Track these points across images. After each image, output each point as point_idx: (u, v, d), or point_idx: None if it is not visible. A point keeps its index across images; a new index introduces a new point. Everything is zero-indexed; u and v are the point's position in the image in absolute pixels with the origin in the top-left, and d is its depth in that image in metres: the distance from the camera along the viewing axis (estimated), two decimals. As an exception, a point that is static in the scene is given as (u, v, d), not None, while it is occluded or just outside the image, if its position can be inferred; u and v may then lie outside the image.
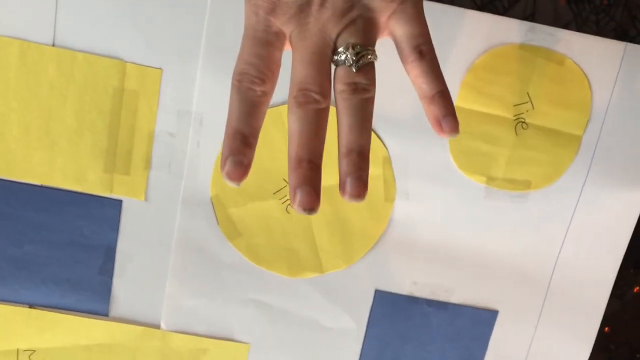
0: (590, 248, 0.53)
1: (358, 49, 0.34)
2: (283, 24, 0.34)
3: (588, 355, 0.55)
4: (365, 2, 0.34)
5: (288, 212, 0.52)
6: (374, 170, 0.51)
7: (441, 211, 0.52)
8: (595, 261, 0.53)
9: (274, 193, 0.51)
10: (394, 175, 0.51)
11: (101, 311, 0.53)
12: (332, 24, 0.34)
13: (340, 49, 0.34)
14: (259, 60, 0.34)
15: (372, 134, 0.50)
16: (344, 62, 0.34)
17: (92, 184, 0.50)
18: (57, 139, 0.49)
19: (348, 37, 0.34)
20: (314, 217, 0.52)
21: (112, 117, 0.49)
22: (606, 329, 0.56)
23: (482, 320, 0.55)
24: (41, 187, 0.50)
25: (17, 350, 0.53)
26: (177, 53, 0.48)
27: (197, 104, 0.49)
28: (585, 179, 0.51)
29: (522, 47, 0.48)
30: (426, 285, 0.54)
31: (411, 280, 0.54)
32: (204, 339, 0.54)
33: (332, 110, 0.34)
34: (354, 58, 0.33)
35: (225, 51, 0.48)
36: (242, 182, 0.35)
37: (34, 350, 0.53)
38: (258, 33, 0.34)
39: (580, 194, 0.52)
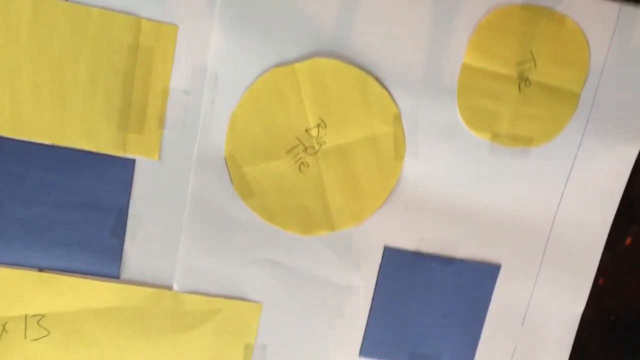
0: (586, 202, 0.56)
1: None
2: None
3: (583, 306, 0.58)
4: None
5: (301, 170, 0.52)
6: (384, 128, 0.52)
7: (448, 168, 0.54)
8: (591, 215, 0.56)
9: (287, 152, 0.52)
10: (403, 133, 0.53)
11: (112, 274, 0.53)
12: None
13: None
14: None
15: (383, 90, 0.51)
16: None
17: (104, 143, 0.50)
18: (69, 97, 0.49)
19: None
20: (326, 176, 0.53)
21: (126, 75, 0.49)
22: (600, 280, 0.59)
23: (485, 274, 0.57)
24: (52, 146, 0.50)
25: (26, 315, 0.52)
26: (193, 9, 0.48)
27: (212, 62, 0.49)
28: (583, 135, 0.54)
29: (525, 7, 0.51)
30: (433, 241, 0.55)
31: (419, 237, 0.55)
32: (216, 299, 0.54)
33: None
34: None
35: (242, 8, 0.49)
36: None
37: (43, 315, 0.53)
38: None
39: (578, 150, 0.54)
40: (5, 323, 0.52)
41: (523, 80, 0.52)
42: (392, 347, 0.57)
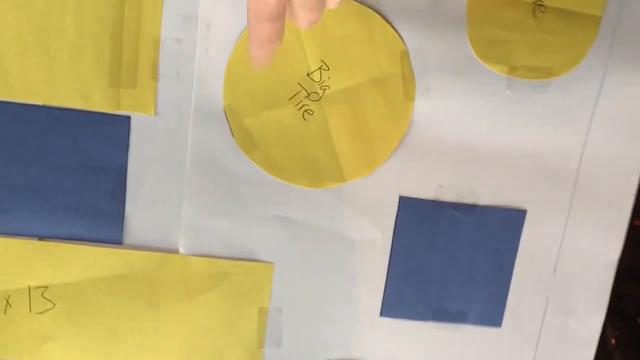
0: (615, 136, 0.52)
1: None
2: None
3: (620, 250, 0.54)
4: None
5: (305, 119, 0.49)
6: (392, 68, 0.49)
7: (463, 107, 0.50)
8: (621, 150, 0.52)
9: (289, 99, 0.49)
10: (412, 71, 0.49)
11: (115, 239, 0.51)
12: None
13: None
14: None
15: (388, 27, 0.48)
16: None
17: (97, 100, 0.48)
18: (57, 54, 0.47)
19: None
20: (332, 123, 0.50)
21: (115, 25, 0.46)
22: (636, 221, 0.54)
23: (511, 220, 0.53)
24: (43, 107, 0.47)
25: (29, 287, 0.51)
26: (180, -49, 0.46)
27: (204, 7, 0.47)
28: (607, 62, 0.50)
29: None
30: (452, 188, 0.52)
31: (436, 184, 0.52)
32: (225, 261, 0.52)
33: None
34: None
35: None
36: None
37: (47, 287, 0.51)
38: None
39: (603, 79, 0.50)
40: (9, 296, 0.50)
41: (537, 5, 0.48)
42: (414, 305, 0.54)
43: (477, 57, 0.49)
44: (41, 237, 0.50)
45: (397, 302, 0.54)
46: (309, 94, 0.49)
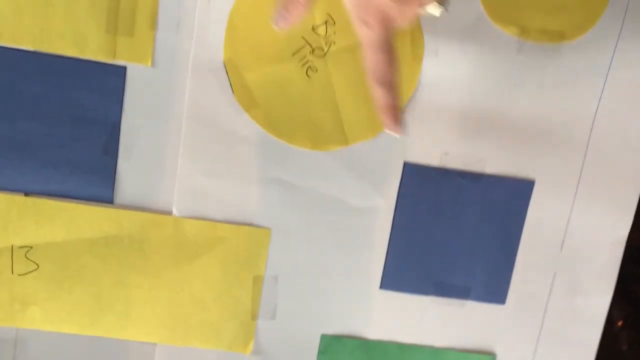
0: (628, 105, 0.50)
1: None
2: None
3: (629, 225, 0.52)
4: None
5: (308, 76, 0.47)
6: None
7: (473, 70, 0.48)
8: (635, 119, 0.50)
9: (293, 54, 0.47)
10: (422, 31, 0.47)
11: (105, 197, 0.48)
12: None
13: None
14: None
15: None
16: None
17: (92, 48, 0.46)
18: (51, -4, 0.45)
19: None
20: (337, 82, 0.48)
21: (113, -31, 0.44)
22: (646, 198, 0.53)
23: (518, 191, 0.51)
24: (35, 53, 0.45)
25: (12, 246, 0.48)
26: None
27: (207, -47, 0.45)
28: (621, 27, 0.48)
29: None
30: (458, 156, 0.50)
31: (442, 151, 0.50)
32: (220, 224, 0.49)
33: None
34: None
35: None
36: None
37: (31, 247, 0.48)
38: None
39: (617, 44, 0.49)
40: (-10, 255, 0.48)
41: (552, -35, 0.47)
42: (415, 278, 0.52)
43: (488, 17, 0.47)
44: (27, 193, 0.47)
45: (399, 275, 0.51)
46: (313, 50, 0.47)
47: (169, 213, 0.49)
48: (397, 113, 0.41)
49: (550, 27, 0.48)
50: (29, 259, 0.48)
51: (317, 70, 0.47)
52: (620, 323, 0.54)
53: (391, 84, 0.40)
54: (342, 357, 0.52)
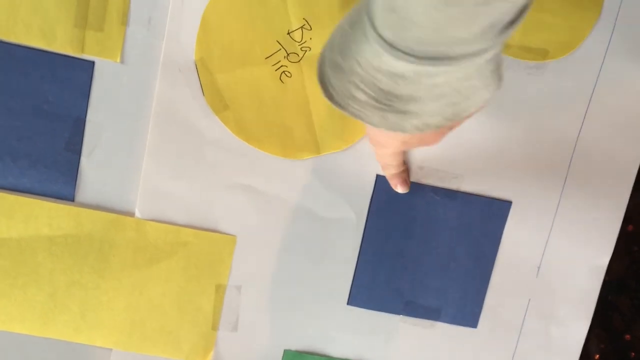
0: (612, 128, 0.48)
1: None
2: None
3: (610, 253, 0.50)
4: None
5: (282, 81, 0.46)
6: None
7: (451, 83, 0.47)
8: (618, 144, 0.49)
9: (266, 58, 0.46)
10: (400, 40, 0.46)
11: (67, 195, 0.47)
12: None
13: None
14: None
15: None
16: None
17: (60, 41, 0.44)
18: (21, -14, 0.44)
19: None
20: (311, 89, 0.46)
21: (85, -40, 0.43)
22: (629, 227, 0.51)
23: (494, 211, 0.49)
24: (0, 42, 0.44)
25: (-33, 240, 0.46)
26: None
27: (183, -50, 0.44)
28: (607, 48, 0.47)
29: None
30: (434, 171, 0.48)
31: (417, 165, 0.48)
32: (184, 229, 0.48)
33: None
34: None
35: None
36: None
37: (-13, 241, 0.47)
38: None
39: (602, 66, 0.47)
40: (-56, 247, 0.46)
41: (537, -20, 0.46)
42: (385, 296, 0.50)
43: (469, 31, 0.46)
44: (-15, 186, 0.46)
45: (367, 291, 0.50)
46: (288, 54, 0.46)
47: (132, 214, 0.47)
48: (408, 179, 0.48)
49: (534, 45, 0.47)
50: (-16, 254, 0.47)
51: (291, 76, 0.46)
52: (596, 357, 0.52)
53: (405, 172, 0.48)
54: (304, 374, 0.50)
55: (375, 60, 0.31)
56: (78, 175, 0.46)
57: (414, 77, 0.31)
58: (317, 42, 0.45)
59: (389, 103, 0.33)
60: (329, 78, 0.34)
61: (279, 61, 0.46)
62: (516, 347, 0.51)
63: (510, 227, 0.49)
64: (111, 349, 0.49)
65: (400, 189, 0.47)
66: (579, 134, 0.48)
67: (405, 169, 0.47)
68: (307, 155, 0.47)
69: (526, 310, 0.51)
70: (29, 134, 0.45)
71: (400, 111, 0.33)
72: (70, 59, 0.45)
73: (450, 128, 0.38)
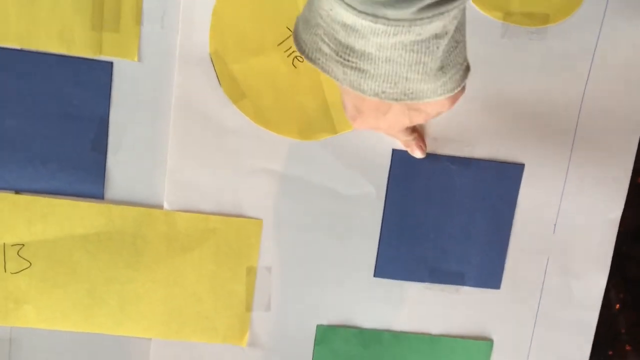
0: (615, 86, 0.50)
1: None
2: None
3: (622, 206, 0.52)
4: None
5: (295, 66, 0.48)
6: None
7: (457, 54, 0.49)
8: (622, 100, 0.50)
9: (278, 45, 0.47)
10: (405, 16, 0.48)
11: (96, 193, 0.48)
12: None
13: None
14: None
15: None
16: None
17: (79, 44, 0.46)
18: (36, -6, 0.45)
19: None
20: (323, 71, 0.48)
21: (97, -36, 0.45)
22: (639, 179, 0.53)
23: (508, 175, 0.51)
24: (21, 51, 0.45)
25: (4, 245, 0.48)
26: None
27: (189, -54, 0.45)
28: (606, 8, 0.49)
29: None
30: (447, 141, 0.50)
31: (431, 137, 0.50)
32: (212, 216, 0.49)
33: None
34: None
35: None
36: None
37: (23, 245, 0.48)
38: None
39: (602, 25, 0.49)
40: (-17, 254, 0.48)
41: (533, -52, 0.47)
42: (409, 265, 0.52)
43: (472, 2, 0.48)
44: (17, 191, 0.47)
45: (392, 262, 0.51)
46: (298, 40, 0.47)
47: (160, 207, 0.49)
48: (423, 146, 0.50)
49: (535, 10, 0.48)
50: (21, 256, 0.48)
51: (303, 60, 0.47)
52: (617, 306, 0.54)
53: (421, 137, 0.49)
54: (338, 346, 0.52)
55: (332, 11, 0.32)
56: (106, 174, 0.48)
57: (361, 30, 0.32)
58: (325, 25, 0.47)
59: (346, 57, 0.34)
60: (300, 33, 0.35)
61: (291, 46, 0.47)
62: (539, 304, 0.53)
63: (524, 189, 0.51)
64: (151, 339, 0.50)
65: (417, 154, 0.49)
66: (584, 93, 0.50)
67: (417, 136, 0.49)
68: (324, 136, 0.49)
69: (546, 267, 0.53)
70: (56, 138, 0.47)
71: (357, 68, 0.34)
72: (89, 61, 0.46)
73: (413, 123, 0.40)
